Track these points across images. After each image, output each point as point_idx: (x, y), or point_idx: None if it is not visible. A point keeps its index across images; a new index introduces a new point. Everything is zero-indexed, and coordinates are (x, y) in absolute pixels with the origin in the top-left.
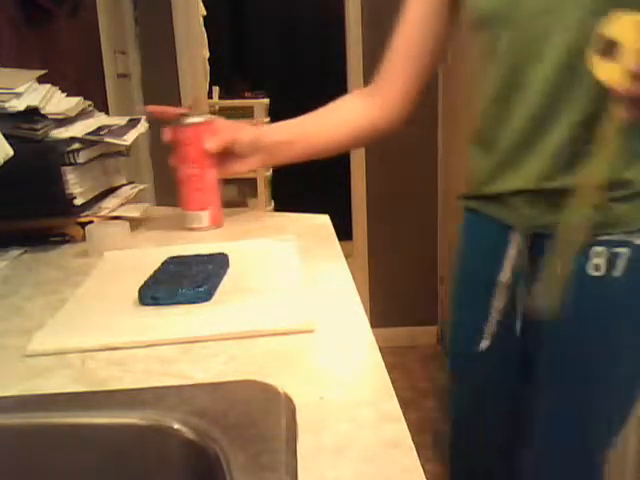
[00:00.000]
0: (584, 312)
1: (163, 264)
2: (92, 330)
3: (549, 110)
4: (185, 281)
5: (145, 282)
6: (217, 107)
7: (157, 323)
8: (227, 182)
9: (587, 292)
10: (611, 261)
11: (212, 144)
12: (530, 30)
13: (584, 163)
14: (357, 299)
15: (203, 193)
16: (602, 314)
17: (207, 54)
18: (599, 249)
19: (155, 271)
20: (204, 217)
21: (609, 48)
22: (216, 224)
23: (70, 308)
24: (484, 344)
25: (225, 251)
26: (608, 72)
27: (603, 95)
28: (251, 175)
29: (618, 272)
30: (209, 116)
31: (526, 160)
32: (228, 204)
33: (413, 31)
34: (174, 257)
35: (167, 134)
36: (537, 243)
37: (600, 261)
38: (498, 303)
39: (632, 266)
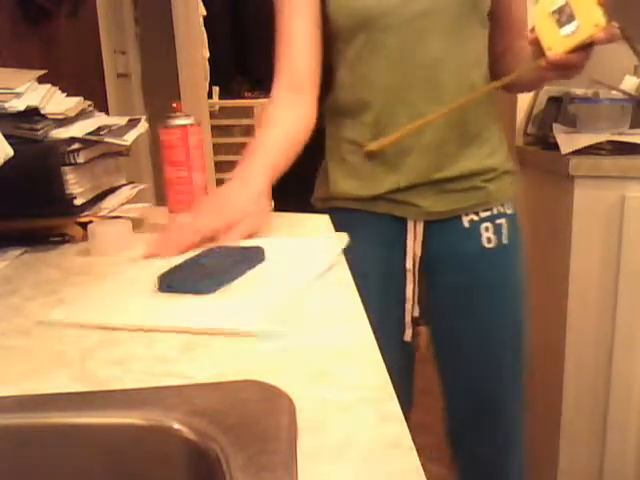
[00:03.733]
0: (489, 277)
1: (201, 253)
2: (108, 309)
3: (430, 108)
4: (201, 271)
5: (168, 270)
6: (217, 107)
7: (164, 309)
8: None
9: (488, 261)
10: (497, 232)
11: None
12: (409, 32)
13: (461, 156)
14: (357, 299)
15: (190, 196)
16: (502, 275)
17: (207, 54)
18: (486, 224)
19: (187, 260)
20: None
21: (562, 13)
22: None
23: (92, 288)
24: (408, 334)
25: (269, 245)
26: (554, 38)
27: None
28: None
29: (505, 240)
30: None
31: (408, 159)
32: None
33: (310, 47)
34: (218, 247)
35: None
36: (431, 230)
37: (490, 234)
38: (409, 290)
39: (512, 232)
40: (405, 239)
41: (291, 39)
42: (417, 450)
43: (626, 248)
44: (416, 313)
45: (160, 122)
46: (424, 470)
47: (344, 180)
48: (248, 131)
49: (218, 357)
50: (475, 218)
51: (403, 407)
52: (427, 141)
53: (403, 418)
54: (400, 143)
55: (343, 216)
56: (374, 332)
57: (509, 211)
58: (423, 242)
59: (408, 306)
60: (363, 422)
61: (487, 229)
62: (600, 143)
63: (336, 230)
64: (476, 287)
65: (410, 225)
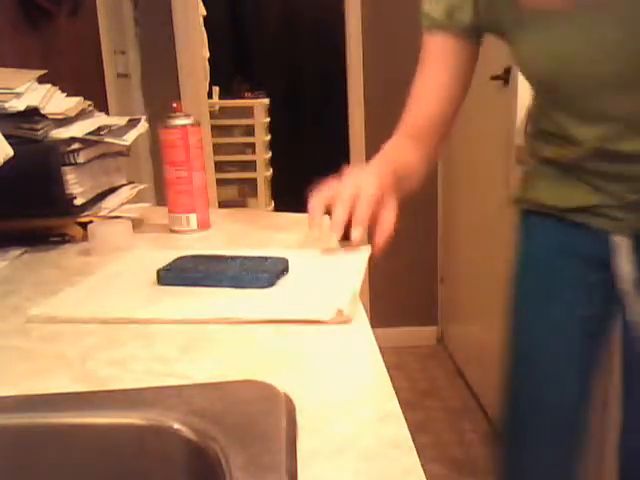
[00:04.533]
0: None
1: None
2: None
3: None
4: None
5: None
6: (217, 107)
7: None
8: (227, 182)
9: None
10: None
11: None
12: (584, 81)
13: None
14: (357, 300)
15: (190, 196)
16: None
17: (207, 54)
18: None
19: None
20: (192, 220)
21: None
22: (203, 227)
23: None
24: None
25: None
26: None
27: None
28: (251, 175)
29: None
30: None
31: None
32: (228, 204)
33: (436, 105)
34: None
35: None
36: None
37: None
38: (588, 308)
39: None
40: (605, 254)
41: (422, 93)
42: (417, 450)
43: None
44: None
45: (160, 122)
46: (424, 470)
47: (538, 188)
48: (248, 131)
49: (218, 357)
50: None
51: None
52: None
53: (403, 418)
54: (609, 169)
55: (534, 220)
56: (535, 346)
57: None
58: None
59: (585, 322)
60: (363, 422)
61: None
62: None
63: (521, 234)
64: None
65: (616, 240)
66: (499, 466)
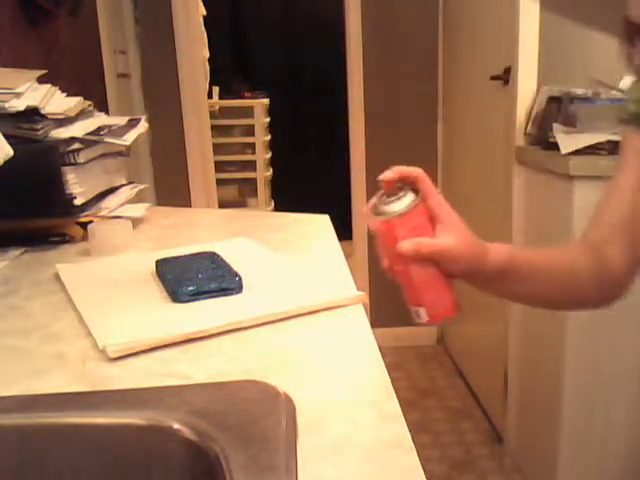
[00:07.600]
0: None
1: (160, 265)
2: (156, 324)
3: None
4: (208, 276)
5: (167, 281)
6: (217, 107)
7: (207, 314)
8: (227, 182)
9: None
10: None
11: (410, 246)
12: None
13: None
14: (358, 298)
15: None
16: None
17: (207, 54)
18: None
19: (162, 272)
20: (421, 313)
21: None
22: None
23: (97, 310)
24: None
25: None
26: None
27: None
28: (251, 175)
29: None
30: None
31: None
32: (228, 204)
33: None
34: (164, 259)
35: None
36: None
37: None
38: None
39: None
40: None
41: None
42: (417, 450)
43: None
44: None
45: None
46: (424, 470)
47: None
48: (248, 131)
49: (218, 357)
50: None
51: None
52: None
53: (403, 418)
54: None
55: None
56: None
57: None
58: None
59: None
60: (363, 422)
61: None
62: (600, 143)
63: None
64: None
65: None
66: None
